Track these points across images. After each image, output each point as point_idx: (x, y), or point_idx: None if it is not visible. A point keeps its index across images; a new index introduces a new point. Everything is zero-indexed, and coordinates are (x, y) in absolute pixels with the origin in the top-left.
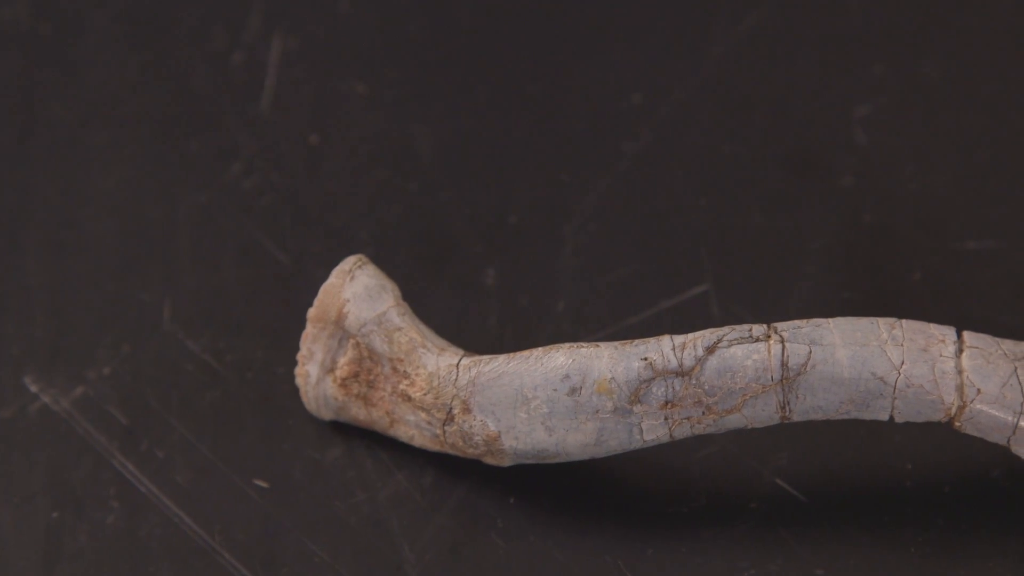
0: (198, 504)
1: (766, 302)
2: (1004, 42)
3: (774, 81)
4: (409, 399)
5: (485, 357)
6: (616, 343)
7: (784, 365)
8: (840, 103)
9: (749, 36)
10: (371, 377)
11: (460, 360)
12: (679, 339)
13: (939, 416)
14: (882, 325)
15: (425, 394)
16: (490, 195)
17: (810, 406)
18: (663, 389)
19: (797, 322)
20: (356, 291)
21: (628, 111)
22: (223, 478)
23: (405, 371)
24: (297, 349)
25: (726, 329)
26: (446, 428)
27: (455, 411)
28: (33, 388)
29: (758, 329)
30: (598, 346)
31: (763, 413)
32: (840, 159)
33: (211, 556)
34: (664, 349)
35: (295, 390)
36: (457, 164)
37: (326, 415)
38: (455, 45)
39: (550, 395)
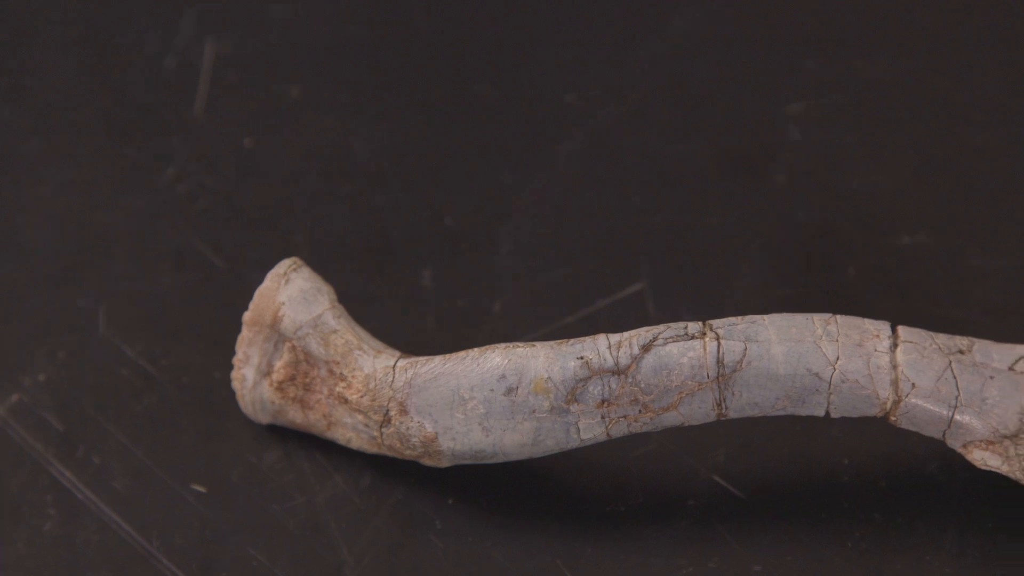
0: (135, 510)
1: (702, 300)
2: (936, 39)
3: (707, 79)
4: (346, 401)
5: (421, 358)
6: (552, 343)
7: (720, 362)
8: (774, 101)
9: (682, 35)
10: (308, 380)
11: (397, 362)
12: (615, 338)
13: (874, 411)
14: (817, 321)
15: (362, 396)
16: (426, 197)
17: (746, 403)
18: (599, 388)
19: (732, 319)
20: (291, 294)
21: (562, 111)
22: (160, 483)
23: (341, 373)
24: (233, 353)
25: (662, 327)
26: (383, 430)
27: (392, 413)
28: None
29: (694, 327)
30: (534, 346)
31: (699, 410)
32: (774, 156)
33: (149, 562)
34: (600, 348)
35: (231, 394)
36: (392, 166)
37: (263, 419)
38: (390, 47)
39: (487, 396)
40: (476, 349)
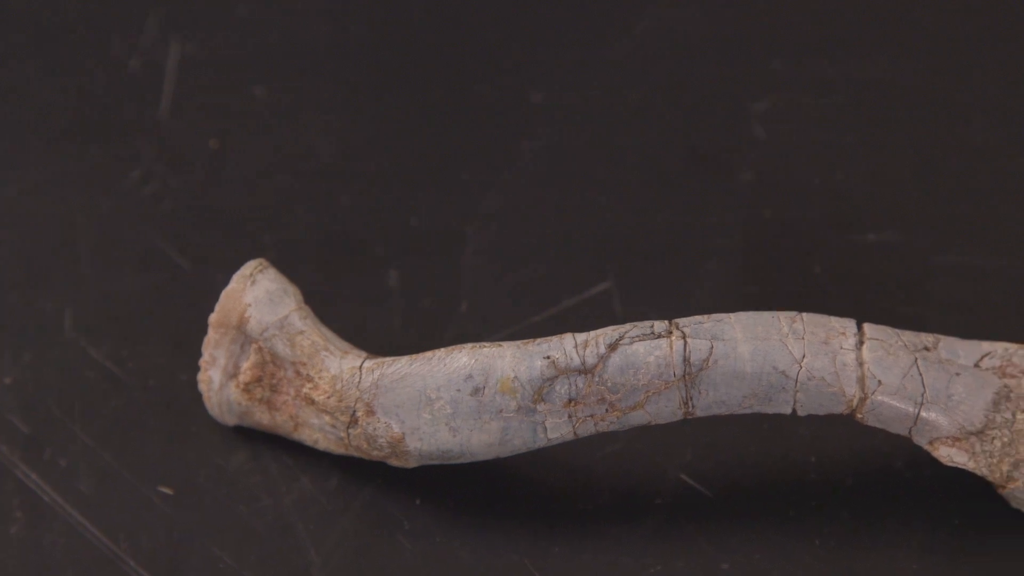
0: (102, 512)
1: (668, 298)
2: (900, 37)
3: (673, 78)
4: (313, 402)
5: (388, 359)
6: (519, 342)
7: (686, 361)
8: (739, 99)
9: (648, 34)
10: (274, 381)
11: (363, 362)
12: (581, 337)
13: (841, 408)
14: (783, 319)
15: (328, 397)
16: (391, 197)
17: (713, 401)
18: (566, 387)
19: (699, 318)
20: (257, 295)
21: (528, 110)
22: (127, 485)
23: (308, 375)
24: (199, 355)
25: (628, 326)
26: (350, 431)
27: (359, 413)
28: None
29: (660, 325)
30: (501, 346)
31: (666, 409)
32: (740, 155)
33: (116, 564)
34: (567, 347)
35: (198, 396)
36: (358, 166)
37: (230, 420)
38: (354, 47)
39: (453, 396)
40: (442, 349)
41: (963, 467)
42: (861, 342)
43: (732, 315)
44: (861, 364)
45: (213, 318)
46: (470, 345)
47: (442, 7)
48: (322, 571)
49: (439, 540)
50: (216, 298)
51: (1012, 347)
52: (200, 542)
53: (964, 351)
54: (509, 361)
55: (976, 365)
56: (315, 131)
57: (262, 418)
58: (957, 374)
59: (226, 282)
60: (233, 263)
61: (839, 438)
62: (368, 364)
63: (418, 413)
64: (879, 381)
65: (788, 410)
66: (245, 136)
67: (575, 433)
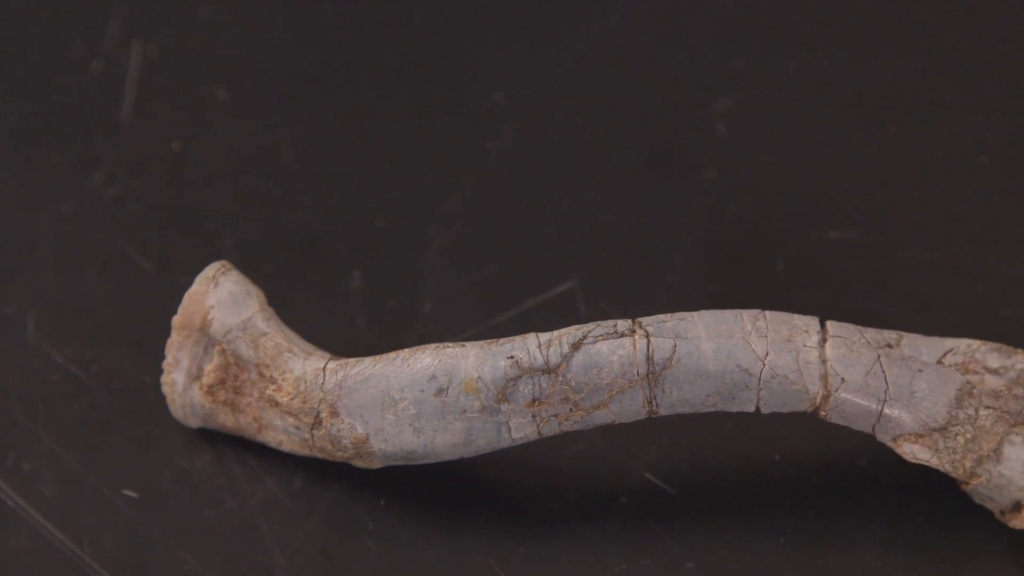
0: (66, 516)
1: (632, 297)
2: (860, 35)
3: (635, 77)
4: (276, 404)
5: (352, 360)
6: (482, 342)
7: (650, 360)
8: (701, 97)
9: (610, 32)
10: (238, 383)
11: (327, 364)
12: (545, 337)
13: (804, 406)
14: (746, 317)
15: (292, 399)
16: (355, 198)
17: (677, 400)
18: (530, 387)
19: (662, 316)
20: (220, 297)
21: (491, 110)
22: (91, 489)
23: (272, 376)
24: (163, 357)
25: (591, 325)
26: (314, 432)
27: (323, 415)
28: None
29: (623, 324)
30: (464, 346)
31: (630, 408)
32: (702, 153)
33: (81, 568)
34: (530, 347)
35: (162, 398)
36: (321, 167)
37: (194, 423)
38: (317, 48)
39: (417, 396)
40: (406, 350)
41: (926, 464)
42: (824, 340)
43: (695, 313)
44: (824, 362)
45: (176, 320)
46: (434, 345)
47: (404, 8)
48: (287, 573)
49: (404, 541)
50: (179, 300)
51: (975, 343)
52: (164, 545)
53: (927, 348)
54: (473, 361)
55: (939, 362)
56: (278, 132)
57: (226, 420)
58: (920, 371)
59: (189, 284)
60: (196, 265)
61: (803, 436)
62: (332, 365)
63: (382, 414)
64: (842, 378)
65: (752, 408)
66: (207, 138)
67: (539, 433)
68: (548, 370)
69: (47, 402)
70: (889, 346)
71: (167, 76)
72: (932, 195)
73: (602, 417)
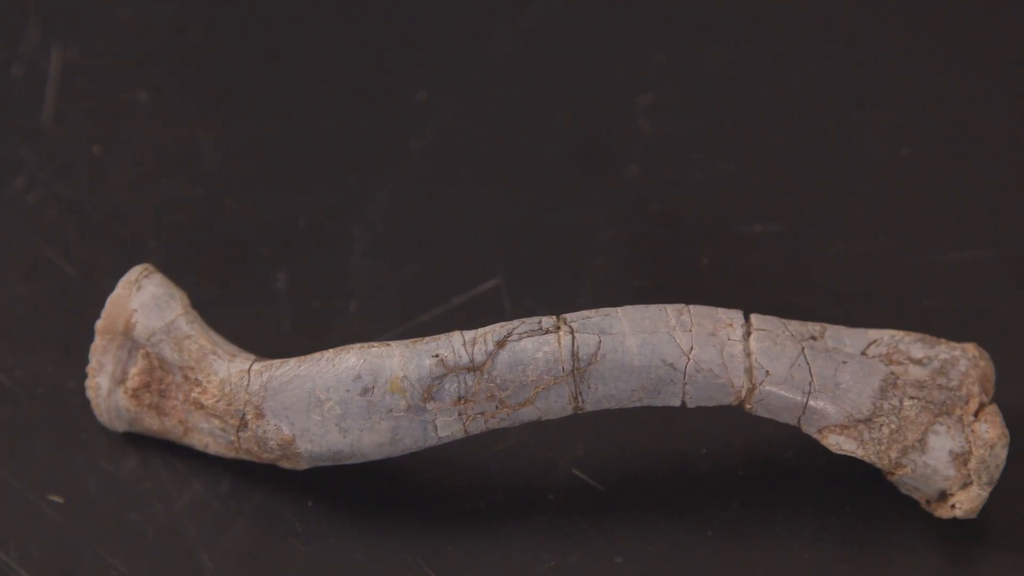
0: None
1: (557, 294)
2: (781, 29)
3: (557, 73)
4: (202, 407)
5: (277, 361)
6: (407, 341)
7: (575, 356)
8: (623, 93)
9: (531, 29)
10: (163, 386)
11: (252, 365)
12: (469, 335)
13: (730, 399)
14: (670, 312)
15: (218, 401)
16: (278, 199)
17: (602, 395)
18: (455, 385)
19: (586, 312)
20: (143, 301)
21: (413, 109)
22: (16, 495)
23: (196, 379)
24: (87, 361)
25: (516, 322)
26: (240, 434)
27: (248, 417)
28: None
29: (548, 321)
30: (389, 345)
31: (556, 404)
32: (625, 149)
33: (7, 574)
34: (455, 345)
35: (87, 403)
36: (243, 169)
37: (119, 427)
38: (237, 49)
39: (343, 396)
40: (331, 350)
41: (852, 455)
42: (748, 333)
43: (620, 309)
44: (749, 355)
45: (100, 324)
46: (359, 345)
47: (325, 7)
48: (215, 575)
49: (332, 542)
50: (102, 304)
51: (898, 334)
52: (91, 550)
53: (851, 339)
54: (398, 360)
55: (863, 353)
56: (199, 134)
57: (151, 424)
58: (844, 362)
59: (112, 288)
60: (119, 269)
61: (729, 429)
62: (257, 367)
63: (308, 415)
64: (767, 371)
65: (677, 402)
66: (129, 141)
67: (466, 431)
68: (473, 368)
69: None
70: (813, 338)
71: (87, 80)
72: (854, 187)
73: (528, 414)
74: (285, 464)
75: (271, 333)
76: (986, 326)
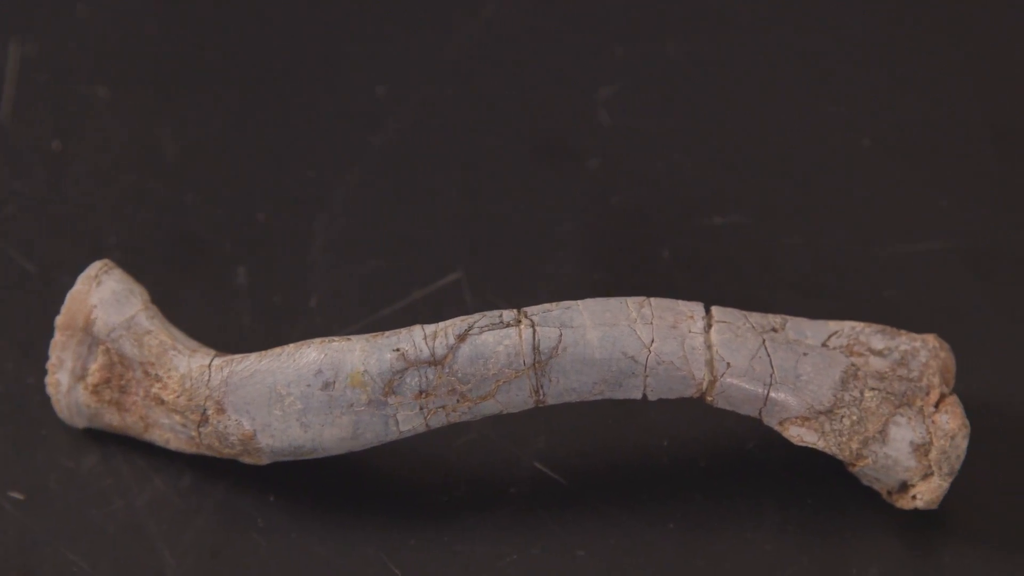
0: None
1: (518, 287)
2: (740, 20)
3: (517, 67)
4: (162, 402)
5: (237, 356)
6: (368, 335)
7: (536, 349)
8: (584, 86)
9: (490, 22)
10: (123, 382)
11: (212, 360)
12: (430, 328)
13: (691, 392)
14: (631, 304)
15: (178, 396)
16: (238, 194)
17: (564, 388)
18: (417, 379)
19: (547, 305)
20: (103, 296)
21: (373, 103)
22: None
23: (157, 374)
24: (47, 358)
25: (476, 316)
26: (201, 429)
27: (209, 412)
28: None
29: (508, 314)
30: (350, 339)
31: (517, 398)
32: (586, 141)
33: None
34: (416, 339)
35: (47, 399)
36: (203, 164)
37: (79, 423)
38: (196, 44)
39: (304, 391)
40: (292, 345)
41: (813, 446)
42: (709, 325)
43: (581, 302)
44: (710, 347)
45: (59, 320)
46: (319, 340)
47: (284, 2)
48: (176, 571)
49: (294, 536)
50: (62, 300)
51: (859, 326)
52: (52, 547)
53: (811, 331)
54: (359, 355)
55: (824, 345)
56: (159, 129)
57: (112, 420)
58: (805, 354)
59: (72, 284)
60: (79, 265)
61: (690, 422)
62: (217, 362)
63: (269, 410)
64: (728, 363)
65: (639, 395)
66: (88, 136)
67: (427, 425)
68: (434, 362)
69: None
70: (774, 330)
71: (46, 75)
72: (815, 179)
73: (490, 408)
74: (246, 459)
75: (232, 328)
76: (946, 317)
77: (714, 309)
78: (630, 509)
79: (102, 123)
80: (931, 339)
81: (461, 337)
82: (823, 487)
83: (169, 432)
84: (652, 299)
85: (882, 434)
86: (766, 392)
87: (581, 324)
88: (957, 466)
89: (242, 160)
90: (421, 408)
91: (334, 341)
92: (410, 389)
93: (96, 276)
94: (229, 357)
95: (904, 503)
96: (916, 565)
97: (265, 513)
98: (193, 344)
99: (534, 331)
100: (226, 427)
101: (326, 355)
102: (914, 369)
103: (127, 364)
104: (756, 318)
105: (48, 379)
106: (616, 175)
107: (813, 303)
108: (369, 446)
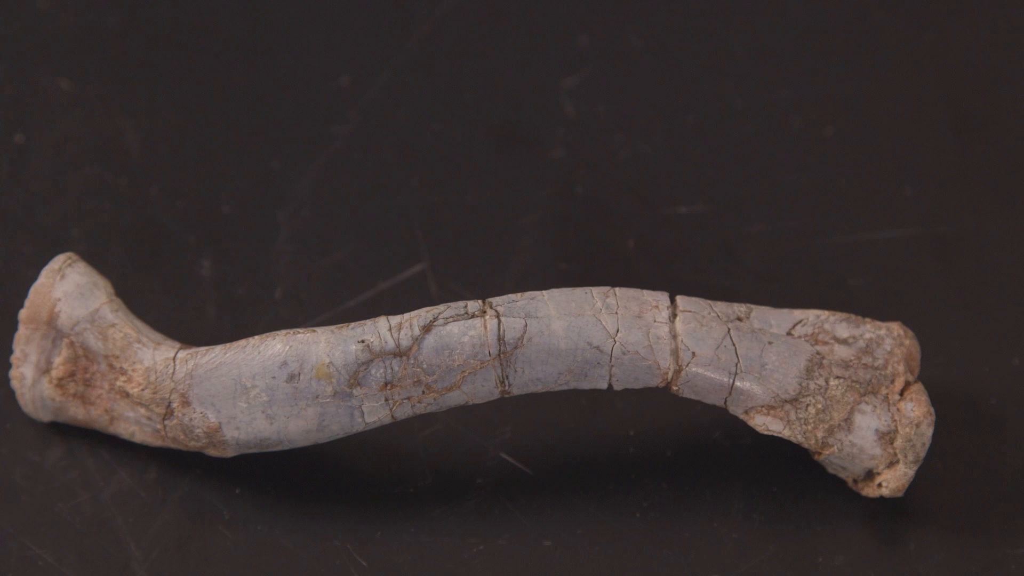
0: None
1: (483, 278)
2: (703, 9)
3: (481, 56)
4: (127, 395)
5: (202, 348)
6: (333, 327)
7: (501, 340)
8: (547, 75)
9: (453, 12)
10: (88, 376)
11: (177, 353)
12: (395, 319)
13: (656, 381)
14: (596, 294)
15: (143, 389)
16: (201, 185)
17: (529, 379)
18: (382, 370)
19: (512, 296)
20: (67, 289)
21: (336, 94)
22: None
23: (121, 367)
24: (11, 352)
25: (442, 307)
26: (166, 422)
27: (174, 405)
28: None
29: (473, 305)
30: (315, 331)
31: (483, 388)
32: (550, 131)
33: None
34: (381, 330)
35: (11, 393)
36: (166, 156)
37: (44, 416)
38: (159, 36)
39: (269, 383)
40: (257, 337)
41: (779, 435)
42: (674, 314)
43: (546, 292)
44: (675, 336)
45: (23, 314)
46: (284, 332)
47: None
48: (142, 565)
49: (260, 528)
50: (26, 293)
51: (823, 314)
52: (17, 541)
53: (776, 320)
54: (324, 346)
55: (788, 333)
56: (122, 121)
57: (77, 413)
58: (770, 343)
59: (35, 277)
60: (42, 258)
61: (656, 411)
62: (182, 355)
63: (234, 402)
64: (693, 353)
65: (604, 385)
66: (50, 129)
67: (393, 416)
68: (399, 353)
69: None
70: (739, 319)
71: (7, 67)
72: (778, 167)
73: (455, 398)
74: (212, 452)
75: (196, 320)
76: (911, 305)
77: (679, 298)
78: (597, 499)
79: (64, 115)
80: (896, 327)
81: (426, 328)
82: (789, 476)
83: (134, 425)
84: (617, 289)
85: (847, 422)
86: (731, 381)
87: (546, 314)
88: (922, 454)
89: (206, 152)
90: (387, 399)
91: (299, 333)
92: (375, 380)
93: (60, 269)
94: (194, 349)
95: (870, 491)
96: (882, 553)
97: (231, 505)
98: (158, 337)
99: (499, 322)
100: (191, 420)
101: (291, 347)
102: (879, 357)
103: (92, 357)
104: (721, 307)
105: (12, 373)
106: (580, 165)
107: (778, 292)
108: (335, 438)
